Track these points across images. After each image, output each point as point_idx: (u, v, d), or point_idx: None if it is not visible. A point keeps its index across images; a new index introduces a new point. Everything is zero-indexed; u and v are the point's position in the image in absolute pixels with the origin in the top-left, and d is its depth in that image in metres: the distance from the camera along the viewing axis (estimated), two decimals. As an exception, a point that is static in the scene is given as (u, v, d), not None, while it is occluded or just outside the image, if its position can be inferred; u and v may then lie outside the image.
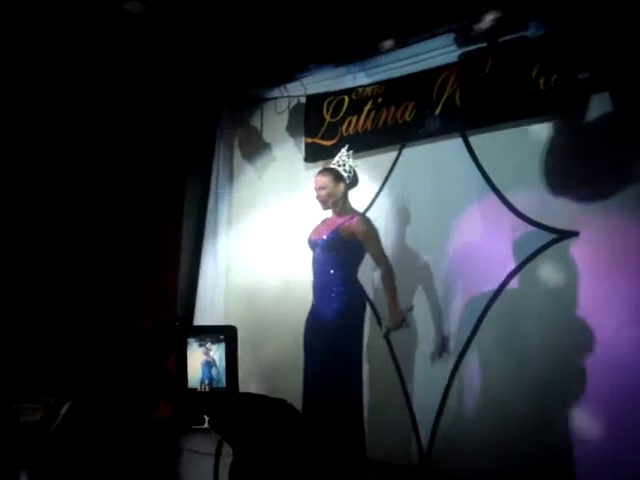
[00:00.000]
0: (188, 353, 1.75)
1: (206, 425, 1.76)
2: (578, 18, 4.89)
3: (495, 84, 5.26)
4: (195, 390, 1.75)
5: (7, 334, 6.40)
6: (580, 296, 4.80)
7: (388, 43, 5.72)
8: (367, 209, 5.75)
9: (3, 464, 2.56)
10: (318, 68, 6.29)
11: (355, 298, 4.94)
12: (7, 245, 6.73)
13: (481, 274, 5.25)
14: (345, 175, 5.02)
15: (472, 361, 5.27)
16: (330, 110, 6.17)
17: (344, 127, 6.05)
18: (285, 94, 6.57)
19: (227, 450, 1.81)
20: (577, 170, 4.89)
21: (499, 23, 5.25)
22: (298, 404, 4.94)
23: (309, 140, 6.29)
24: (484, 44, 5.37)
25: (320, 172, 5.15)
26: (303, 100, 6.43)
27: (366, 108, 5.95)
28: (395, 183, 5.78)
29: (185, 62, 6.54)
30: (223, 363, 1.77)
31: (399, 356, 5.57)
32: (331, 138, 6.12)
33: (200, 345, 1.74)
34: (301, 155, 6.32)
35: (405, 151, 5.75)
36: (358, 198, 5.38)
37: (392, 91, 5.84)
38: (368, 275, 5.25)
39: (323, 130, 6.19)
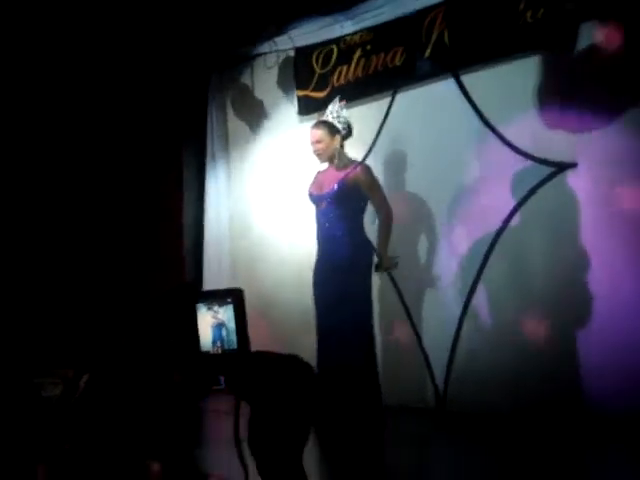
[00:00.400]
0: (198, 318, 1.79)
1: (222, 385, 1.81)
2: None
3: (483, 21, 5.22)
4: (208, 352, 1.79)
5: (21, 311, 6.46)
6: (582, 226, 4.83)
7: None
8: (364, 158, 5.73)
9: (27, 441, 2.62)
10: (304, 19, 6.22)
11: (361, 246, 5.01)
12: (18, 221, 6.78)
13: (483, 212, 5.27)
14: (340, 127, 5.04)
15: (481, 300, 5.31)
16: (320, 61, 6.13)
17: (335, 77, 6.02)
18: (274, 49, 6.51)
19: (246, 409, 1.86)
20: (571, 101, 4.87)
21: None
22: (313, 357, 5.02)
23: (301, 93, 6.25)
24: (468, -19, 5.32)
25: (314, 125, 5.17)
26: (292, 53, 6.38)
27: (355, 56, 5.91)
28: (391, 129, 5.75)
29: (170, 26, 6.49)
30: (232, 325, 1.81)
31: (408, 301, 5.61)
32: (322, 89, 6.08)
33: (209, 309, 1.79)
34: (294, 109, 6.29)
35: (398, 97, 5.72)
36: (355, 148, 5.38)
37: (380, 37, 5.79)
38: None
39: (314, 82, 6.15)
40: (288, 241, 6.26)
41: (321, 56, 6.13)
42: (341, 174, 5.02)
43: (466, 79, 5.35)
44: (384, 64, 5.74)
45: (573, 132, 4.87)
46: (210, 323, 1.80)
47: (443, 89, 5.48)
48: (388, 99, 5.77)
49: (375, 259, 5.09)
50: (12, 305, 6.42)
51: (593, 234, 4.81)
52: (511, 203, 5.15)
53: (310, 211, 5.25)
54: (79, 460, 2.48)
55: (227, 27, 6.48)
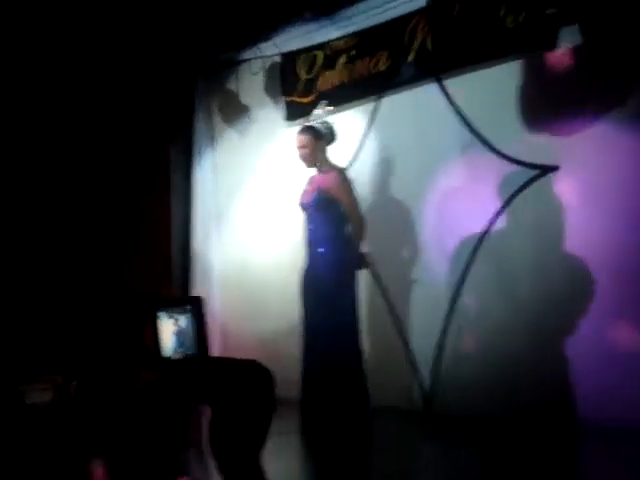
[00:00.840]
0: (159, 325, 1.84)
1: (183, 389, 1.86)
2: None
3: (465, 26, 5.28)
4: (169, 358, 1.84)
5: (7, 317, 6.47)
6: (565, 228, 4.88)
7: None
8: (351, 162, 5.79)
9: (10, 447, 2.65)
10: (289, 25, 6.26)
11: (343, 253, 5.04)
12: (3, 227, 6.79)
13: (467, 216, 5.31)
14: (324, 132, 5.09)
15: (466, 301, 5.35)
16: (305, 67, 6.18)
17: (320, 82, 6.07)
18: (259, 55, 6.56)
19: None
20: (552, 105, 4.93)
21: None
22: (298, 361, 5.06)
23: (287, 99, 6.30)
24: (450, -14, 5.37)
25: (299, 131, 5.22)
26: (277, 59, 6.42)
27: (340, 61, 5.96)
28: (376, 134, 5.81)
29: (155, 33, 6.52)
30: (193, 331, 1.86)
31: (394, 302, 5.66)
32: (308, 94, 6.13)
33: (170, 317, 1.83)
34: (280, 114, 6.33)
35: (383, 101, 5.77)
36: (341, 152, 5.43)
37: (364, 42, 5.85)
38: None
39: (300, 87, 6.20)
40: (275, 245, 6.30)
41: (306, 61, 6.18)
42: (321, 179, 5.08)
43: (449, 83, 5.41)
44: (368, 69, 5.80)
45: (556, 135, 4.93)
46: (171, 330, 1.84)
47: (427, 93, 5.53)
48: (373, 103, 5.82)
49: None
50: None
51: (577, 235, 4.85)
52: (496, 205, 5.20)
53: (297, 215, 5.29)
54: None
55: (213, 32, 6.51)
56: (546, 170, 4.96)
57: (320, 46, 6.11)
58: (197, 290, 6.68)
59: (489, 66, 5.19)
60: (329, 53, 6.04)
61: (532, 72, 5.06)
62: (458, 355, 5.35)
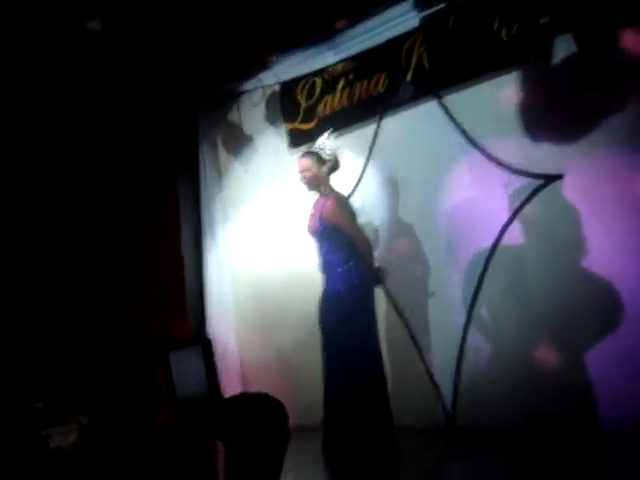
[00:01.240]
0: (172, 366, 1.86)
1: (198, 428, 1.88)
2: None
3: (460, 42, 5.33)
4: (183, 398, 1.86)
5: (25, 359, 6.51)
6: (574, 237, 4.88)
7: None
8: (355, 186, 5.82)
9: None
10: (287, 52, 6.32)
11: (358, 276, 5.04)
12: (22, 270, 6.87)
13: (476, 231, 5.34)
14: (326, 158, 5.12)
15: (482, 315, 5.35)
16: (305, 93, 6.23)
17: (320, 108, 6.12)
18: (259, 85, 6.62)
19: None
20: (552, 114, 4.96)
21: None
22: (319, 384, 5.06)
23: (289, 126, 6.35)
24: (443, 5, 5.41)
25: (302, 155, 5.29)
26: (277, 88, 6.48)
27: (339, 86, 6.01)
28: (379, 155, 5.85)
29: (154, 70, 6.60)
30: (203, 371, 1.89)
31: (411, 320, 5.67)
32: (310, 121, 6.18)
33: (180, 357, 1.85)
34: (283, 142, 6.38)
35: (384, 122, 5.81)
36: (345, 176, 5.46)
37: (362, 65, 5.90)
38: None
39: (301, 114, 6.25)
40: (289, 270, 6.30)
41: (306, 88, 6.23)
42: (321, 205, 5.09)
43: (448, 100, 5.45)
44: (368, 91, 5.84)
45: (557, 144, 4.94)
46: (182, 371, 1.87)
47: (427, 111, 5.57)
48: (374, 125, 5.86)
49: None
50: (16, 354, 6.47)
51: (585, 242, 4.85)
52: (503, 218, 5.21)
53: (307, 240, 5.31)
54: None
55: (212, 66, 6.58)
56: (550, 179, 4.97)
57: (318, 72, 6.16)
58: (212, 322, 6.71)
59: (487, 79, 5.23)
60: (328, 78, 6.09)
61: (529, 82, 5.09)
62: (477, 369, 5.35)
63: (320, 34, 6.08)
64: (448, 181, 5.47)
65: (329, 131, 5.27)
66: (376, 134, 5.84)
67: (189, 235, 7.01)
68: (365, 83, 5.87)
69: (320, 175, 5.13)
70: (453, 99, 5.43)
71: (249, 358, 6.61)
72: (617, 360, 4.64)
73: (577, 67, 4.86)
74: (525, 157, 5.07)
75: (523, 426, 4.92)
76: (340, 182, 5.29)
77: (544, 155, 4.98)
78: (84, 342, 6.83)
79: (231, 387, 6.03)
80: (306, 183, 5.19)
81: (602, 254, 4.75)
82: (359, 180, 5.87)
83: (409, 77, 5.61)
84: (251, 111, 6.73)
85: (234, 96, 6.82)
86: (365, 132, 5.91)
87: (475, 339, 5.38)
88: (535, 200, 5.05)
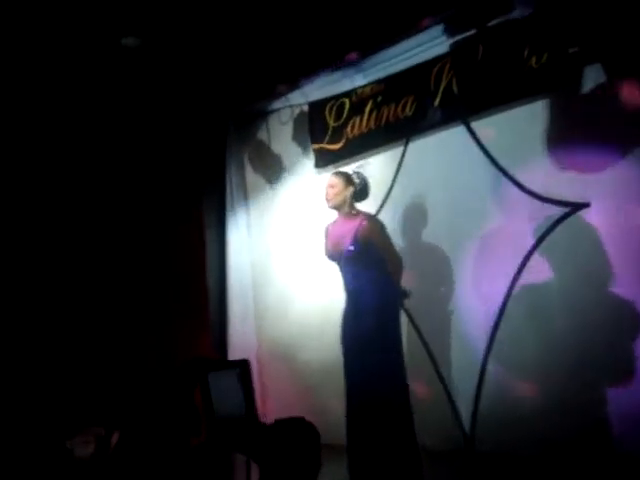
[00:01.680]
0: (210, 387, 1.91)
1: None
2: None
3: (489, 69, 5.35)
4: (220, 419, 1.91)
5: (49, 370, 6.58)
6: (599, 266, 4.87)
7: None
8: (380, 208, 5.85)
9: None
10: (316, 74, 6.39)
11: (389, 294, 5.06)
12: (47, 285, 6.95)
13: (501, 256, 5.34)
14: (356, 181, 5.14)
15: (503, 340, 5.35)
16: (333, 114, 6.28)
17: (348, 129, 6.17)
18: (287, 104, 6.69)
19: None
20: (579, 142, 4.97)
21: (485, 7, 5.35)
22: (342, 404, 5.07)
23: (316, 146, 6.40)
24: (473, 31, 5.46)
25: (332, 174, 5.30)
26: (305, 108, 6.54)
27: (367, 108, 6.06)
28: (405, 179, 5.89)
29: (186, 87, 6.69)
30: (241, 393, 1.93)
31: (431, 342, 5.68)
32: (337, 142, 6.23)
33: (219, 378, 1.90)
34: (310, 162, 6.43)
35: (410, 146, 5.86)
36: (371, 198, 5.49)
37: (390, 88, 5.95)
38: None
39: (328, 135, 6.30)
40: (310, 291, 6.35)
41: (334, 109, 6.28)
42: (351, 227, 5.08)
43: (476, 125, 5.48)
44: (395, 114, 5.88)
45: (584, 172, 4.96)
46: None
47: (454, 136, 5.60)
48: (401, 148, 5.90)
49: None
50: (40, 365, 6.54)
51: (610, 272, 4.85)
52: (528, 244, 5.21)
53: (329, 262, 5.33)
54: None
55: (243, 84, 6.67)
56: (577, 207, 4.98)
57: (347, 93, 6.22)
58: (235, 339, 6.75)
59: (515, 106, 5.25)
60: (355, 100, 6.15)
61: (558, 111, 5.11)
62: (497, 395, 5.34)
63: (350, 57, 6.15)
64: (473, 205, 5.48)
65: (363, 162, 5.29)
66: (403, 157, 5.89)
67: (214, 253, 7.06)
68: (393, 106, 5.90)
69: (345, 195, 5.13)
70: (480, 125, 5.46)
71: (271, 376, 6.64)
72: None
73: (605, 97, 4.88)
74: (551, 185, 5.08)
75: (542, 452, 4.91)
76: (366, 204, 5.32)
77: (570, 183, 4.99)
78: (119, 360, 6.91)
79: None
80: (329, 199, 5.18)
81: (627, 283, 4.75)
82: (383, 203, 5.91)
83: (437, 102, 5.64)
84: (279, 130, 6.80)
85: (263, 115, 6.90)
86: (391, 155, 5.95)
87: (496, 364, 5.37)
88: (561, 228, 5.06)
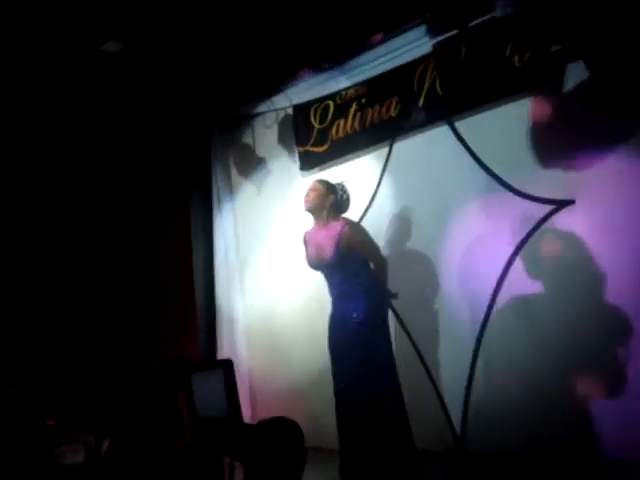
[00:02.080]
0: (194, 387, 1.90)
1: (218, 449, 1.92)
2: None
3: (472, 68, 5.36)
4: (204, 420, 1.90)
5: (38, 377, 6.55)
6: (585, 262, 4.88)
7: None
8: (366, 210, 5.85)
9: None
10: (300, 77, 6.39)
11: (376, 294, 5.04)
12: (36, 287, 6.94)
13: (487, 254, 5.34)
14: (338, 191, 5.13)
15: (492, 341, 5.34)
16: (317, 117, 6.27)
17: (333, 131, 6.16)
18: (272, 108, 6.68)
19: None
20: (563, 140, 4.98)
21: (467, 7, 5.35)
22: (331, 406, 5.06)
23: (301, 149, 6.39)
24: (455, 31, 5.46)
25: (317, 180, 5.29)
26: (290, 111, 6.53)
27: (351, 110, 6.05)
28: (390, 179, 5.89)
29: (170, 91, 6.68)
30: (224, 394, 1.92)
31: (420, 344, 5.66)
32: (322, 144, 6.22)
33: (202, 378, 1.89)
34: (296, 165, 6.42)
35: (395, 147, 5.85)
36: (356, 200, 5.48)
37: (374, 89, 5.94)
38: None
39: (313, 137, 6.29)
40: (299, 292, 6.33)
41: (318, 112, 6.28)
42: (330, 234, 5.07)
43: (460, 125, 5.48)
44: (380, 116, 5.88)
45: (569, 169, 4.96)
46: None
47: (438, 136, 5.61)
48: (386, 149, 5.89)
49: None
50: (28, 371, 6.52)
51: (597, 267, 4.85)
52: (513, 242, 5.21)
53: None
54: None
55: (227, 88, 6.66)
56: (562, 205, 4.98)
57: (331, 96, 6.21)
58: (223, 343, 6.74)
59: (499, 105, 5.26)
60: (340, 102, 6.14)
61: (541, 109, 5.12)
62: (487, 395, 5.33)
63: (334, 59, 6.15)
64: (459, 205, 5.48)
65: (347, 181, 5.28)
66: (388, 158, 5.88)
67: (201, 255, 7.05)
68: (377, 107, 5.90)
69: (324, 200, 5.11)
70: (464, 124, 5.47)
71: (259, 380, 6.63)
72: (627, 387, 4.63)
73: (588, 94, 4.89)
74: (536, 183, 5.08)
75: (532, 452, 4.90)
76: (352, 205, 5.31)
77: (556, 180, 4.99)
78: (103, 362, 6.89)
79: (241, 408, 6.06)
80: (308, 201, 5.17)
81: (614, 282, 4.74)
82: (369, 204, 5.90)
83: (421, 102, 5.63)
84: (264, 133, 6.80)
85: (248, 118, 6.89)
86: (376, 156, 5.95)
87: (484, 366, 5.36)
88: (546, 225, 5.06)
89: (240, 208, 7.04)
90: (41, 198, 7.12)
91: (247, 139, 6.95)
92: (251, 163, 6.90)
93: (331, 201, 5.11)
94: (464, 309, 5.47)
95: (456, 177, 5.48)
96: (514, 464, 4.88)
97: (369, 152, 5.99)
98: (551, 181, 5.03)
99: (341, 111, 6.11)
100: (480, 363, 5.38)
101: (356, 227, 5.16)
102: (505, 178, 5.23)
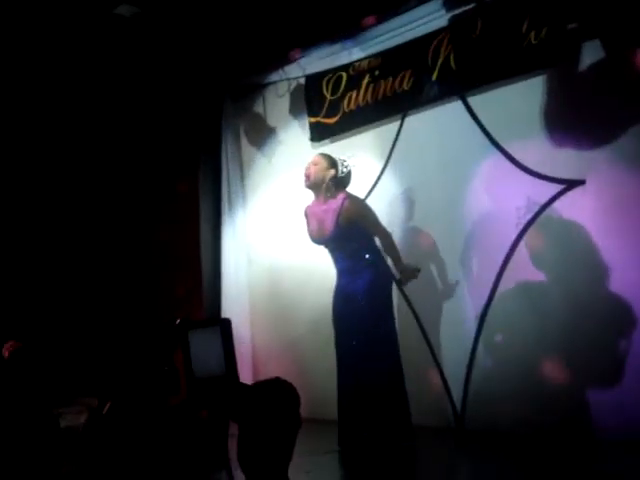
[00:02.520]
0: (190, 346, 1.91)
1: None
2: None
3: (487, 43, 5.29)
4: (200, 378, 1.92)
5: (42, 341, 6.58)
6: (592, 243, 4.86)
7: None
8: (375, 183, 5.82)
9: (45, 470, 2.71)
10: (313, 47, 6.34)
11: (380, 270, 5.06)
12: (42, 265, 6.96)
13: (494, 232, 5.33)
14: (339, 166, 5.12)
15: (495, 318, 5.34)
16: (329, 88, 6.22)
17: (345, 103, 6.11)
18: (284, 77, 6.64)
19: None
20: (576, 119, 4.94)
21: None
22: (332, 376, 5.08)
23: (313, 120, 6.33)
24: (472, 5, 5.39)
25: (318, 154, 5.31)
26: (302, 81, 6.49)
27: (364, 82, 6.00)
28: (400, 153, 5.85)
29: (183, 57, 6.65)
30: (221, 352, 1.94)
31: (424, 322, 5.66)
32: (333, 115, 6.17)
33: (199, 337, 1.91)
34: (306, 136, 6.39)
35: (407, 120, 5.81)
36: (366, 173, 5.47)
37: (388, 62, 5.88)
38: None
39: (325, 108, 6.24)
40: (303, 265, 6.32)
41: (331, 82, 6.22)
42: (331, 208, 5.07)
43: (473, 100, 5.43)
44: (392, 89, 5.82)
45: (580, 149, 4.92)
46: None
47: (451, 111, 5.55)
48: (398, 122, 5.86)
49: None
50: (31, 335, 6.56)
51: (605, 250, 4.83)
52: (522, 221, 5.19)
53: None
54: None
55: (240, 56, 6.62)
56: (572, 184, 4.95)
57: (344, 67, 6.15)
58: (227, 306, 6.76)
59: (512, 82, 5.20)
60: (353, 74, 6.08)
61: (555, 87, 5.07)
62: (488, 372, 5.35)
63: (348, 30, 6.10)
64: (469, 182, 5.46)
65: (351, 155, 5.28)
66: (399, 132, 5.84)
67: (208, 221, 7.04)
68: (390, 80, 5.84)
69: (325, 174, 5.14)
70: (478, 100, 5.41)
71: (261, 344, 6.67)
72: (629, 367, 4.64)
73: (603, 73, 4.84)
74: (547, 161, 5.05)
75: (531, 430, 4.93)
76: (360, 180, 5.30)
77: (567, 160, 4.96)
78: (102, 326, 6.92)
79: (242, 371, 6.07)
80: (309, 174, 5.19)
81: (619, 262, 4.74)
82: (379, 177, 5.88)
83: (435, 76, 5.58)
84: (275, 103, 6.76)
85: (260, 87, 6.85)
86: (388, 129, 5.91)
87: (486, 345, 5.37)
88: (555, 205, 5.04)
89: (249, 176, 7.02)
90: (50, 164, 7.11)
91: (258, 108, 6.91)
92: (262, 132, 6.86)
93: (332, 176, 5.12)
94: (469, 287, 5.46)
95: (467, 152, 5.45)
96: (511, 441, 4.92)
97: (380, 125, 5.94)
98: (562, 160, 4.99)
99: (354, 83, 6.06)
100: (482, 341, 5.38)
101: (356, 201, 5.15)
102: (516, 155, 5.20)
